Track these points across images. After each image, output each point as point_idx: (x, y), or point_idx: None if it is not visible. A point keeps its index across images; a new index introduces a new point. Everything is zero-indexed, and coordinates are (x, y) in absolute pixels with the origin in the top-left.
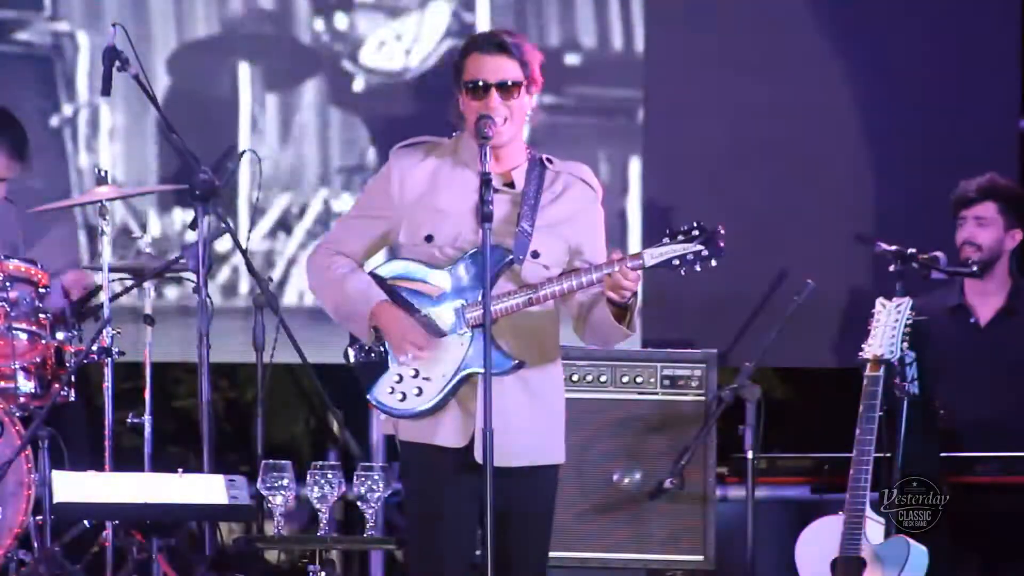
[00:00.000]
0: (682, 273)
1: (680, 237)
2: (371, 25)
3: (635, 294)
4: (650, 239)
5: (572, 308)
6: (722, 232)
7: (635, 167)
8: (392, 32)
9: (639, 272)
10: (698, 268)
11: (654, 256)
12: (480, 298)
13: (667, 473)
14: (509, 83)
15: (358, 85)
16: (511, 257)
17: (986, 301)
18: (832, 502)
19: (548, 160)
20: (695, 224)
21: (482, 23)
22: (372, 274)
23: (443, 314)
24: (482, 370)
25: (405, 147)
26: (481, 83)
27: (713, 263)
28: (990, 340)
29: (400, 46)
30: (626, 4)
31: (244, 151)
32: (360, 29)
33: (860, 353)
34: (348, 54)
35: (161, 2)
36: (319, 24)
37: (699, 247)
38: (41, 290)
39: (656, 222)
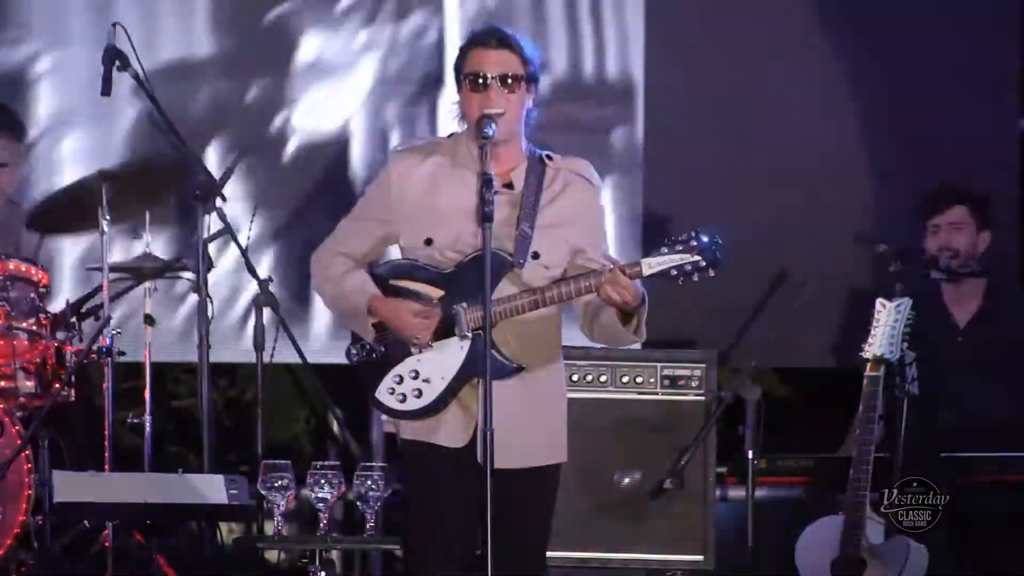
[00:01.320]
0: (680, 283)
1: (679, 247)
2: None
3: (644, 301)
4: (649, 242)
5: (579, 309)
6: (720, 242)
7: (636, 170)
8: (323, 92)
9: (637, 280)
10: (696, 279)
11: (652, 266)
12: (480, 301)
13: (667, 473)
14: (510, 76)
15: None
16: (509, 262)
17: (962, 304)
18: (832, 502)
19: (548, 157)
20: (693, 233)
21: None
22: (374, 275)
23: (443, 315)
24: (482, 375)
25: (404, 149)
26: (481, 75)
27: (711, 273)
28: (968, 341)
29: (329, 106)
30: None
31: (244, 151)
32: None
33: (860, 353)
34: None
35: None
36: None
37: (696, 258)
38: (41, 290)
39: (656, 226)
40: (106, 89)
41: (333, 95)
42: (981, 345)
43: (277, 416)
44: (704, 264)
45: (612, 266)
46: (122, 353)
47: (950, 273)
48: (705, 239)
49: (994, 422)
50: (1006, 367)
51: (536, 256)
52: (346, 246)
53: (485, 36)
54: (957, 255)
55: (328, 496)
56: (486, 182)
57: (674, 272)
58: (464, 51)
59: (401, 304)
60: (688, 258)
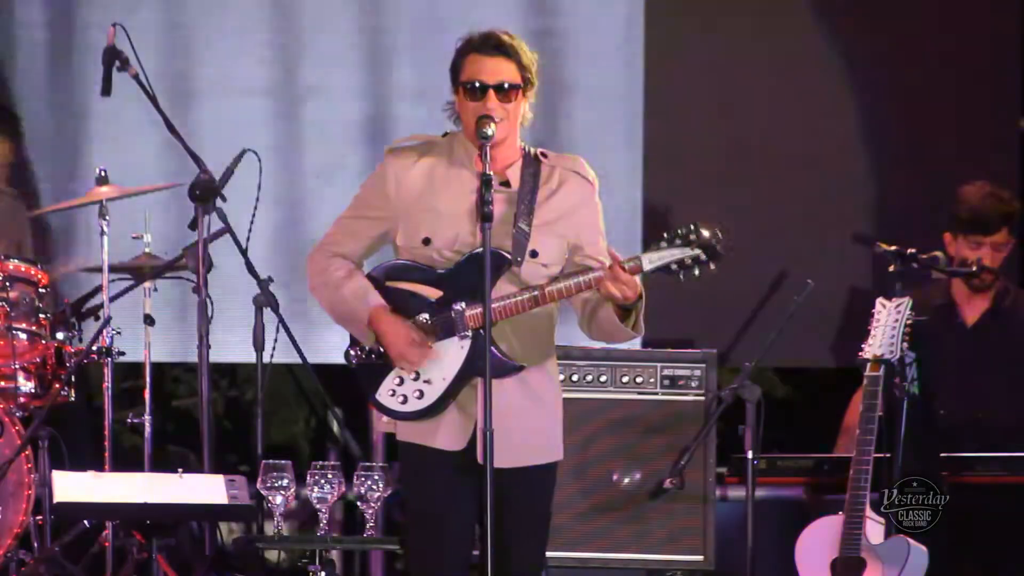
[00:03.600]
0: (680, 279)
1: (678, 241)
2: None
3: (641, 296)
4: (649, 240)
5: (577, 306)
6: (720, 235)
7: (636, 168)
8: None
9: (637, 276)
10: (696, 273)
11: (652, 261)
12: (478, 300)
13: (667, 473)
14: (507, 85)
15: None
16: (508, 260)
17: (973, 302)
18: (832, 502)
19: (543, 155)
20: (692, 227)
21: None
22: (370, 276)
23: (442, 317)
24: (482, 374)
25: (399, 148)
26: (479, 84)
27: (712, 267)
28: (977, 340)
29: None
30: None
31: (244, 151)
32: None
33: (860, 353)
34: None
35: None
36: None
37: (697, 251)
38: (41, 290)
39: (656, 223)
40: (106, 89)
41: None
42: (989, 345)
43: (277, 416)
44: (704, 258)
45: (611, 262)
46: (122, 353)
47: (949, 274)
48: (705, 233)
49: (1001, 422)
50: (1013, 367)
51: (534, 254)
52: (342, 247)
53: (482, 43)
54: (997, 276)
55: (328, 496)
56: (485, 182)
57: (674, 266)
58: (460, 56)
59: (400, 327)
60: (688, 252)
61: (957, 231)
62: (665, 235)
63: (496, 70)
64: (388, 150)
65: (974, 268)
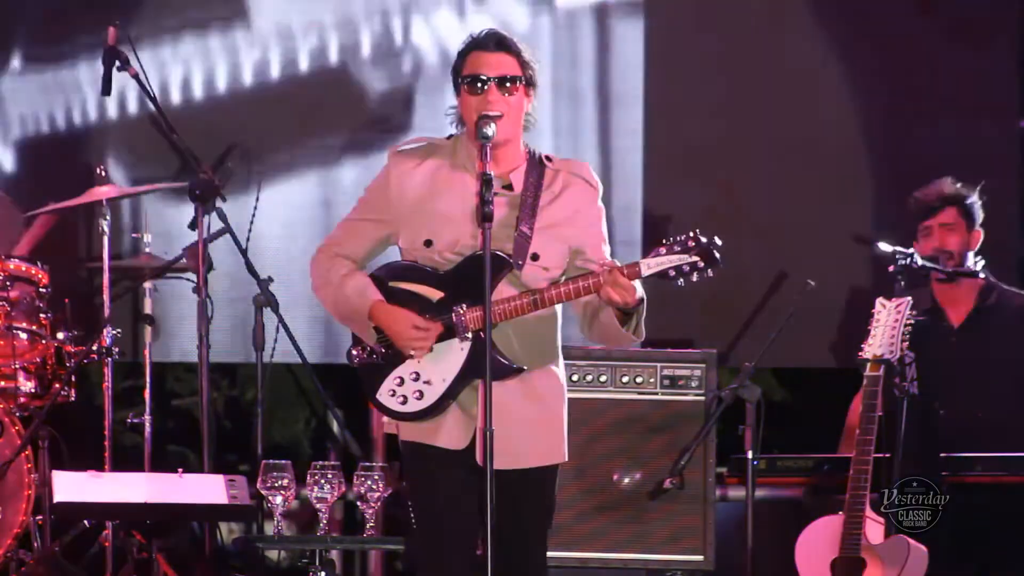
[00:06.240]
0: (679, 284)
1: (677, 248)
2: None
3: (642, 301)
4: (649, 241)
5: (577, 310)
6: (718, 243)
7: (636, 169)
8: None
9: (636, 281)
10: (695, 279)
11: (650, 267)
12: (479, 302)
13: (667, 473)
14: (508, 79)
15: None
16: (509, 263)
17: (957, 304)
18: (832, 502)
19: (547, 158)
20: (691, 235)
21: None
22: (374, 276)
23: (443, 319)
24: (482, 376)
25: (402, 150)
26: (481, 78)
27: (710, 274)
28: (963, 341)
29: None
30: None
31: (232, 145)
32: None
33: (860, 353)
34: None
35: None
36: None
37: (695, 259)
38: (41, 290)
39: (656, 224)
40: (106, 89)
41: None
42: (977, 344)
43: (277, 416)
44: (703, 265)
45: (610, 267)
46: (122, 353)
47: (949, 274)
48: (704, 240)
49: (989, 422)
50: (1000, 367)
51: (535, 257)
52: (346, 247)
53: (484, 40)
54: (952, 256)
55: (328, 496)
56: (485, 182)
57: (672, 273)
58: (462, 55)
59: (402, 314)
60: (686, 259)
61: (913, 228)
62: (664, 241)
63: (498, 64)
64: (392, 152)
65: (974, 269)
